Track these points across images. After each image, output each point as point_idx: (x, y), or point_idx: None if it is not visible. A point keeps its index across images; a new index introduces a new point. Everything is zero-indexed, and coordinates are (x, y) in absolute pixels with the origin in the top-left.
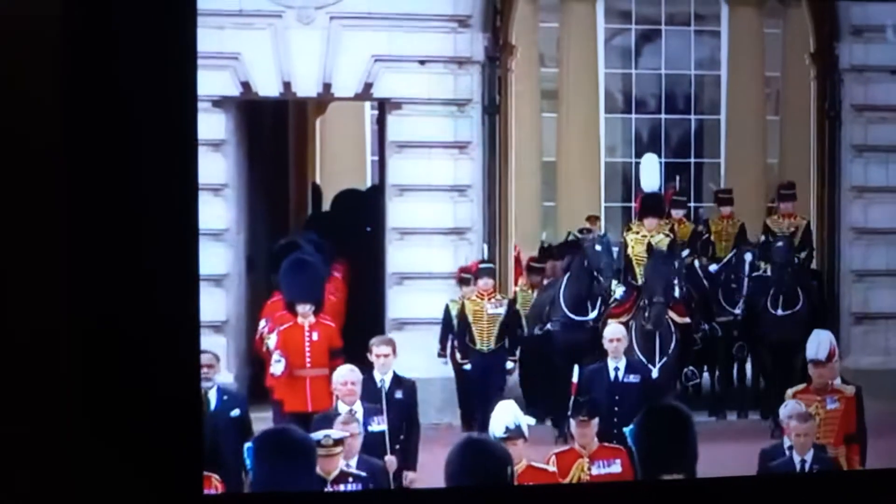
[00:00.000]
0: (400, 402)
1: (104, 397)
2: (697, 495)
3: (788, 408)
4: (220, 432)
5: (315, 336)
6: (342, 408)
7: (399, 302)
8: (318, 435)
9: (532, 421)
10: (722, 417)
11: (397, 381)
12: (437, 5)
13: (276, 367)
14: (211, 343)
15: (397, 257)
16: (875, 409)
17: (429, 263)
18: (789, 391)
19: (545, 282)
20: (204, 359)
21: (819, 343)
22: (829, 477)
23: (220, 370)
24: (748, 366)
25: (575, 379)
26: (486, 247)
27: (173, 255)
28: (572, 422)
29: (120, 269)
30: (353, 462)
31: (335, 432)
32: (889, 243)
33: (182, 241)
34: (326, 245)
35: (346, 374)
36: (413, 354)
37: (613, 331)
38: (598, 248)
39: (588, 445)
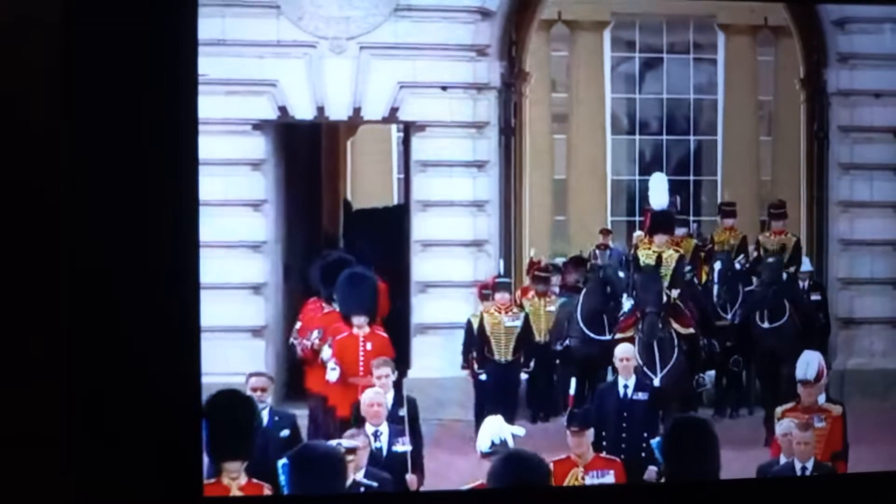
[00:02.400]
0: (403, 420)
1: (105, 399)
2: (691, 498)
3: (783, 425)
4: (269, 451)
5: (369, 346)
6: (369, 428)
7: (423, 308)
8: (330, 443)
9: (521, 431)
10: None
11: (399, 399)
12: (457, 36)
13: (332, 374)
14: (250, 346)
15: (421, 267)
16: (861, 406)
17: (450, 273)
18: (778, 410)
19: (551, 290)
20: (258, 381)
21: (808, 364)
22: (825, 480)
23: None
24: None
25: (572, 391)
26: (502, 262)
27: (174, 259)
28: (567, 432)
29: (121, 272)
30: (360, 475)
31: (347, 441)
32: (873, 254)
33: (183, 245)
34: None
35: (373, 397)
36: (435, 355)
37: (624, 350)
38: (611, 262)
39: (583, 455)
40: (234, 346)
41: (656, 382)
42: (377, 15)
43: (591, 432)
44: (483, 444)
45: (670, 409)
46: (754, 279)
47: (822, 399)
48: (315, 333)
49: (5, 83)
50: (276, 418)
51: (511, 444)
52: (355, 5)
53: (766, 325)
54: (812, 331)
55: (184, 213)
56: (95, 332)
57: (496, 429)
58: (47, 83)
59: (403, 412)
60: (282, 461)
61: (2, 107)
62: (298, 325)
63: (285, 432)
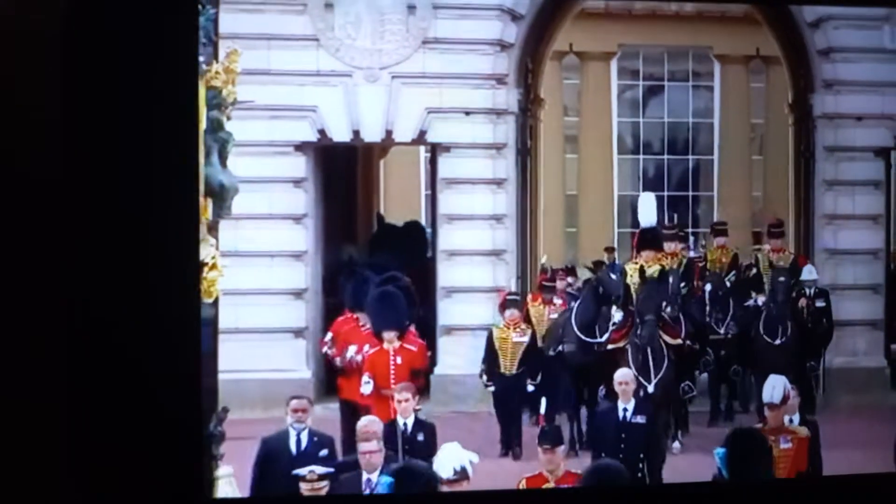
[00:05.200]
0: (420, 444)
1: (105, 400)
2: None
3: None
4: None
5: (399, 360)
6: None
7: (447, 311)
8: (302, 471)
9: (476, 458)
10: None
11: (418, 424)
12: (479, 66)
13: (366, 387)
14: (292, 345)
15: (446, 274)
16: (845, 400)
17: (472, 279)
18: None
19: (555, 300)
20: (298, 403)
21: (773, 388)
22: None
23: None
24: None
25: (542, 410)
26: (513, 280)
27: (175, 261)
28: (539, 450)
29: (121, 273)
30: (375, 475)
31: (319, 468)
32: (855, 262)
33: (184, 246)
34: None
35: (368, 424)
36: (459, 354)
37: (623, 374)
38: (613, 276)
39: (554, 471)
40: (278, 345)
41: (650, 389)
42: (407, 47)
43: (561, 449)
44: (445, 471)
45: (660, 414)
46: (760, 298)
47: (797, 419)
48: (367, 347)
49: (4, 85)
50: (315, 439)
51: (470, 470)
52: (387, 39)
53: (776, 341)
54: (810, 341)
55: (184, 214)
56: (95, 333)
57: (455, 457)
58: (47, 84)
59: (421, 437)
60: (386, 479)
61: (1, 106)
62: (329, 335)
63: (324, 452)
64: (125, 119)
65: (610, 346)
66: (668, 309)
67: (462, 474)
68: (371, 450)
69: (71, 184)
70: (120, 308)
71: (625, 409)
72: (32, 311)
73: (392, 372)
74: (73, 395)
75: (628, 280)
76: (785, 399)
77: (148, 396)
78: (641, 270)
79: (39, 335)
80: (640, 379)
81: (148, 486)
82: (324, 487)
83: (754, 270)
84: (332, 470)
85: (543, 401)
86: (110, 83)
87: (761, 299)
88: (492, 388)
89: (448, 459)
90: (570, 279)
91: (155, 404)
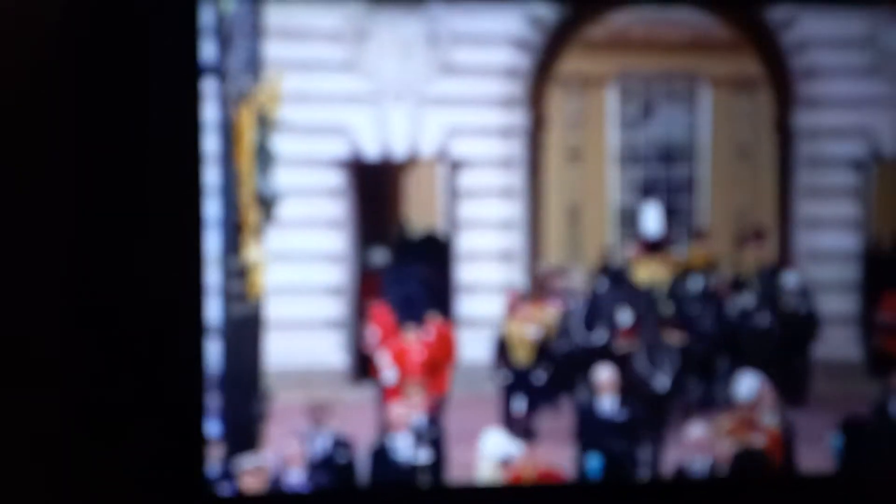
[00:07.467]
0: (421, 435)
1: (106, 399)
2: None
3: (694, 431)
4: (331, 473)
5: (419, 351)
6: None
7: (464, 306)
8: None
9: (520, 448)
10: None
11: (431, 421)
12: (492, 90)
13: (388, 378)
14: (330, 338)
15: (463, 275)
16: (825, 390)
17: (486, 279)
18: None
19: (552, 302)
20: (318, 409)
21: (747, 384)
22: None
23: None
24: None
25: (520, 408)
26: (523, 281)
27: (177, 258)
28: None
29: (122, 270)
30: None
31: (249, 462)
32: (834, 264)
33: (183, 242)
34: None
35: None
36: (473, 346)
37: (601, 371)
38: (606, 282)
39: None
40: (318, 337)
41: (657, 391)
42: (429, 72)
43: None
44: (492, 457)
45: (668, 416)
46: (743, 298)
47: (771, 417)
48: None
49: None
50: (337, 443)
51: (514, 458)
52: (412, 65)
53: (756, 340)
54: (794, 341)
55: (186, 210)
56: (95, 331)
57: (501, 446)
58: (48, 79)
59: (424, 430)
60: (596, 461)
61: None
62: (379, 332)
63: (342, 458)
64: (125, 113)
65: (619, 346)
66: (663, 311)
67: (510, 460)
68: (294, 453)
69: (71, 180)
70: (121, 306)
71: (603, 405)
72: (32, 310)
73: (413, 363)
74: (72, 394)
75: (633, 285)
76: (757, 396)
77: (149, 396)
78: (643, 280)
79: (39, 333)
80: (647, 381)
81: (148, 485)
82: (257, 477)
83: (735, 276)
84: (261, 463)
85: (520, 399)
86: (110, 77)
87: (743, 299)
88: (507, 382)
89: (496, 446)
90: (563, 280)
91: (156, 403)
